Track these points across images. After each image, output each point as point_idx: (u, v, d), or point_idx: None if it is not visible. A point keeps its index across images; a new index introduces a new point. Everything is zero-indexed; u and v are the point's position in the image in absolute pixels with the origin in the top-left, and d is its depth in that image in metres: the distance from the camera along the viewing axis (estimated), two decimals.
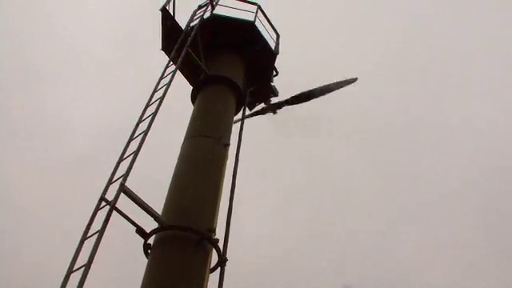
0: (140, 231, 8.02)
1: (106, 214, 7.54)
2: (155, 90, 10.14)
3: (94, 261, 6.90)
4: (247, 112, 12.24)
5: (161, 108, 9.46)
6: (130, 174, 8.14)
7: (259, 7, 12.96)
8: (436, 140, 34.63)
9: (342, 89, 13.49)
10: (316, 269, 26.94)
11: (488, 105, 34.92)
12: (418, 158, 33.93)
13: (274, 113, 12.69)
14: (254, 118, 13.01)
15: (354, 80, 13.72)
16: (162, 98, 9.66)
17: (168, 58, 11.75)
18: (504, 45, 36.34)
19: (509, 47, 36.05)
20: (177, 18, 12.82)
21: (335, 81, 13.50)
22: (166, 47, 12.46)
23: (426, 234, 30.65)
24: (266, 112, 12.65)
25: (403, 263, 28.69)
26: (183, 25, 12.72)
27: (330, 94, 13.30)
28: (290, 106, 13.09)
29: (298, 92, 13.06)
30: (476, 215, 30.89)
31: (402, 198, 31.61)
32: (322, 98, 13.16)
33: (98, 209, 7.70)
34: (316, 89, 13.18)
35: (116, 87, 34.30)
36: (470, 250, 29.31)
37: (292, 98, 12.89)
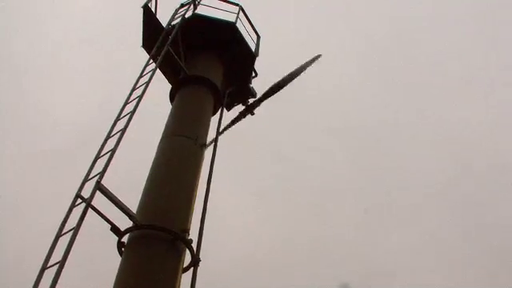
0: (114, 229, 8.07)
1: (81, 211, 7.60)
2: (134, 88, 10.15)
3: (68, 258, 6.97)
4: (227, 120, 12.41)
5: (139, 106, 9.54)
6: (106, 172, 8.22)
7: (241, 8, 13.05)
8: (419, 142, 35.31)
9: (309, 68, 13.74)
10: (291, 269, 27.23)
11: (470, 107, 35.71)
12: (402, 159, 34.54)
13: (252, 114, 12.80)
14: (229, 116, 13.07)
15: (318, 57, 13.96)
16: (140, 97, 9.68)
17: (148, 56, 11.83)
18: (485, 46, 37.18)
19: (490, 49, 36.91)
20: (158, 16, 12.88)
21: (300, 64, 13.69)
22: (147, 44, 12.48)
23: (410, 234, 31.21)
24: (246, 115, 12.75)
25: (388, 262, 29.16)
26: (164, 22, 12.76)
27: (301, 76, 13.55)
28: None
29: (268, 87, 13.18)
30: (458, 214, 31.74)
31: (385, 198, 32.13)
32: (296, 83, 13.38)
33: (73, 206, 7.75)
34: (284, 77, 13.30)
35: (97, 83, 34.14)
36: (455, 248, 30.02)
37: (265, 94, 13.01)
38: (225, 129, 12.17)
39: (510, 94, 34.73)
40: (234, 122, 12.68)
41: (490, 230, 30.29)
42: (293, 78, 13.33)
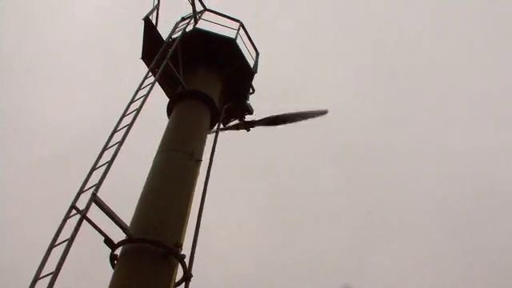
0: (108, 241, 8.11)
1: (75, 222, 7.63)
2: (132, 101, 10.19)
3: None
4: (224, 136, 12.33)
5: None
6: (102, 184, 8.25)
7: (242, 24, 13.17)
8: (418, 160, 35.57)
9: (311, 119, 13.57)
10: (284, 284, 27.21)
11: (471, 128, 36.12)
12: (400, 177, 34.77)
13: (248, 130, 12.83)
14: (226, 132, 13.06)
15: (324, 112, 13.71)
16: (138, 110, 9.72)
17: (147, 68, 11.90)
18: (490, 67, 37.60)
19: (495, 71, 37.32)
20: (158, 28, 12.95)
21: (308, 109, 13.53)
22: (146, 56, 12.53)
23: (408, 251, 31.33)
24: (240, 128, 12.78)
25: (387, 276, 29.25)
26: (165, 35, 12.84)
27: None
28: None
29: (274, 114, 13.08)
30: (457, 232, 32.07)
31: (382, 214, 32.27)
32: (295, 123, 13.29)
33: (68, 217, 7.79)
34: (290, 114, 13.18)
35: (98, 92, 34.20)
36: (454, 266, 30.23)
37: (267, 119, 13.00)
38: (217, 134, 12.02)
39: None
40: (227, 128, 12.67)
41: (489, 247, 30.67)
42: (297, 120, 13.22)
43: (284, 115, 12.99)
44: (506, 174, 33.18)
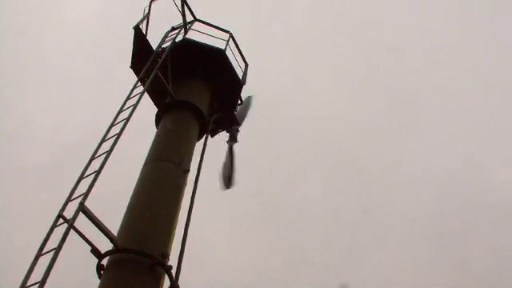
0: (95, 251, 8.10)
1: (62, 231, 7.60)
2: (121, 110, 10.18)
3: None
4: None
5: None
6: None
7: (231, 36, 13.23)
8: (405, 175, 35.84)
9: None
10: None
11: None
12: (388, 191, 35.00)
13: (236, 141, 12.86)
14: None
15: (249, 98, 13.77)
16: (127, 119, 9.72)
17: (136, 77, 11.90)
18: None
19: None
20: (148, 38, 12.93)
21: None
22: (136, 65, 12.52)
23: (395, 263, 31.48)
24: (233, 143, 12.79)
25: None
26: (154, 45, 12.85)
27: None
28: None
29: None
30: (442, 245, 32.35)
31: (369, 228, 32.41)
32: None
33: (55, 226, 7.76)
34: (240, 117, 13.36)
35: (88, 101, 34.08)
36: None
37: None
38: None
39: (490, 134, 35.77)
40: (231, 157, 12.67)
41: (485, 248, 31.09)
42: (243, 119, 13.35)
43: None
44: (501, 182, 33.73)
